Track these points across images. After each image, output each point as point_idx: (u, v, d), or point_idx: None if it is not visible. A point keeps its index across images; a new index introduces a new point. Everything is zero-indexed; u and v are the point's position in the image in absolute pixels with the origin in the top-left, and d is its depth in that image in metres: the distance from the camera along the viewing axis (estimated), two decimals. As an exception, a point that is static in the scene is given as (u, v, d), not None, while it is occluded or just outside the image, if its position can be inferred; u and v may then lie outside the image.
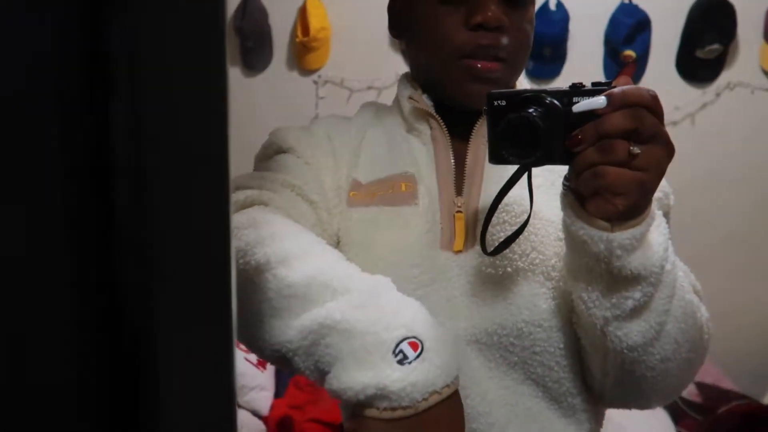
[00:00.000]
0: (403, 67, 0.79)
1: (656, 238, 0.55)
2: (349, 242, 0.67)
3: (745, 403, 1.78)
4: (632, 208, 0.52)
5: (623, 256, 0.53)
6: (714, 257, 2.30)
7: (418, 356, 0.48)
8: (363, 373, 0.48)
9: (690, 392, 1.83)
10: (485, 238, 0.62)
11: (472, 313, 0.63)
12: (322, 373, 0.51)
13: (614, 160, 0.50)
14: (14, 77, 0.27)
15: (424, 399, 0.48)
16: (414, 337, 0.49)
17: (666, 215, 0.68)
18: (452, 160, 0.69)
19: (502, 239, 0.62)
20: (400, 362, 0.48)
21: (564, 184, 0.55)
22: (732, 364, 2.20)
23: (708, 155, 2.33)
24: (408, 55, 0.75)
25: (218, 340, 0.30)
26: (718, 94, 2.32)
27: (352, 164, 0.71)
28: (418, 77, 0.74)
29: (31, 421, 0.29)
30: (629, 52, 2.29)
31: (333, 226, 0.69)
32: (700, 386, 1.88)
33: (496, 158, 0.56)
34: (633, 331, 0.56)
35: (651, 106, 0.50)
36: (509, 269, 0.63)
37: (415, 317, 0.51)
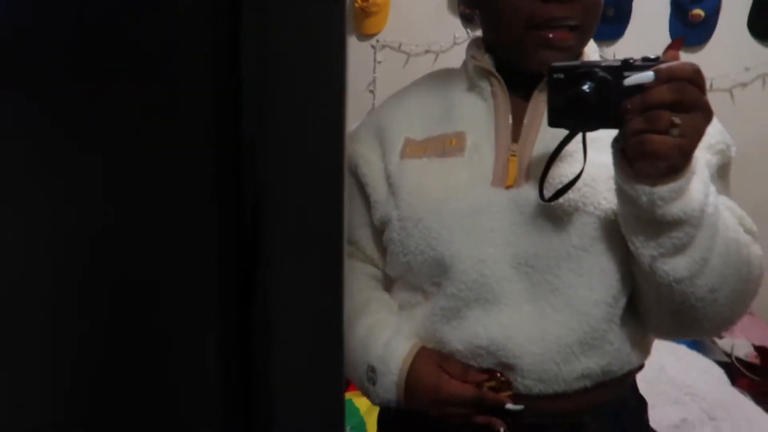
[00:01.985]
0: (461, 30, 0.85)
1: (696, 186, 0.62)
2: (402, 185, 0.77)
3: (805, 367, 1.78)
4: (673, 169, 0.60)
5: (664, 206, 0.61)
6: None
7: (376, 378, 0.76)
8: (369, 398, 0.79)
9: (749, 354, 1.83)
10: (543, 185, 0.70)
11: (522, 240, 0.71)
12: None
13: (658, 128, 0.58)
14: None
15: (399, 397, 0.75)
16: (371, 366, 0.77)
17: (726, 166, 0.75)
18: (510, 114, 0.76)
19: (556, 181, 0.70)
20: (373, 383, 0.77)
21: (613, 145, 0.63)
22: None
23: (778, 118, 2.25)
24: (481, 22, 0.81)
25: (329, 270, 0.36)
26: (792, 54, 2.23)
27: (406, 127, 0.81)
28: (490, 42, 0.80)
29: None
30: (698, 11, 2.22)
31: (383, 214, 0.81)
32: (760, 349, 1.87)
33: (554, 124, 0.65)
34: (679, 266, 0.64)
35: (693, 80, 0.58)
36: (561, 200, 0.70)
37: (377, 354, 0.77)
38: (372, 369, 0.76)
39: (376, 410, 0.93)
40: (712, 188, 0.65)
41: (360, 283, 0.84)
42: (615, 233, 0.70)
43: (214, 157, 0.33)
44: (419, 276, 0.76)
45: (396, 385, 0.75)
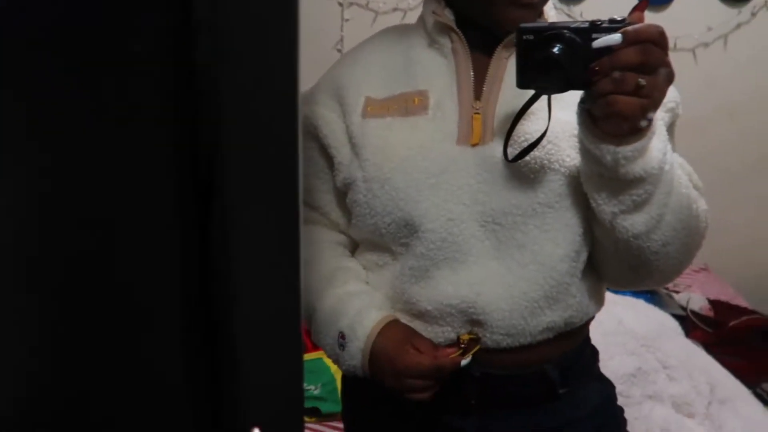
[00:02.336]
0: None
1: (656, 145, 0.65)
2: (366, 145, 0.77)
3: (755, 317, 1.86)
4: (636, 128, 0.62)
5: (627, 164, 0.64)
6: (739, 184, 2.31)
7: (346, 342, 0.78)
8: (338, 365, 0.80)
9: (703, 307, 1.91)
10: (507, 145, 0.71)
11: (489, 198, 0.72)
12: None
13: (624, 90, 0.60)
14: None
15: (363, 364, 0.76)
16: (341, 332, 0.77)
17: (675, 123, 0.78)
18: (471, 71, 0.76)
19: (521, 140, 0.71)
20: (342, 349, 0.77)
21: (579, 106, 0.65)
22: (746, 285, 2.25)
23: (740, 78, 2.29)
24: None
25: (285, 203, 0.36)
26: (753, 14, 2.26)
27: (366, 85, 0.80)
28: None
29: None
30: (663, -29, 2.22)
31: (347, 176, 0.80)
32: (714, 303, 1.96)
33: (523, 86, 0.66)
34: (637, 222, 0.67)
35: (658, 41, 0.60)
36: (527, 158, 0.71)
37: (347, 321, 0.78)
38: (342, 335, 0.77)
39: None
40: (669, 146, 0.68)
41: (328, 251, 0.84)
42: (578, 189, 0.72)
43: (168, 103, 0.33)
44: (387, 237, 0.76)
45: (361, 352, 0.75)
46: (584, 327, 0.80)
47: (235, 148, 0.33)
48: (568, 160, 0.72)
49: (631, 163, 0.63)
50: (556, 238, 0.73)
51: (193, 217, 0.34)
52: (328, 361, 1.56)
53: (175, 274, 0.35)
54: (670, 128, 0.76)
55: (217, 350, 0.35)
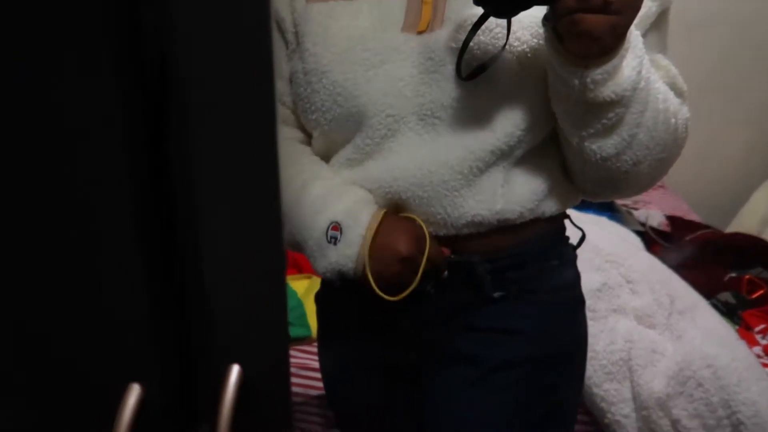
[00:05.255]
0: None
1: (629, 63, 0.60)
2: (308, 32, 0.72)
3: (708, 232, 1.95)
4: (606, 48, 0.57)
5: (595, 88, 0.59)
6: (693, 100, 2.33)
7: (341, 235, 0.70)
8: (321, 263, 0.71)
9: (661, 223, 1.97)
10: (461, 62, 0.65)
11: (431, 89, 0.68)
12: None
13: (591, 7, 0.54)
14: None
15: (359, 252, 0.69)
16: (335, 222, 0.70)
17: (665, 12, 0.70)
18: None
19: (477, 54, 0.66)
20: (335, 244, 0.70)
21: (544, 24, 0.59)
22: (700, 201, 2.36)
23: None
24: None
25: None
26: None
27: None
28: None
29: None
30: None
31: (291, 66, 0.75)
32: (671, 219, 2.02)
33: (480, 2, 0.59)
34: (607, 145, 0.64)
35: None
36: (471, 44, 0.65)
37: (334, 207, 0.71)
38: (335, 225, 0.70)
39: (313, 291, 0.91)
40: (646, 60, 0.62)
41: (299, 147, 0.79)
42: (526, 79, 0.67)
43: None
44: (330, 133, 0.74)
45: (362, 237, 0.69)
46: (526, 227, 0.73)
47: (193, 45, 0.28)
48: (516, 44, 0.66)
49: (601, 86, 0.59)
50: (494, 127, 0.68)
51: (145, 127, 0.28)
52: (295, 286, 1.55)
53: (127, 194, 0.30)
54: (660, 20, 0.69)
55: (183, 275, 0.31)
